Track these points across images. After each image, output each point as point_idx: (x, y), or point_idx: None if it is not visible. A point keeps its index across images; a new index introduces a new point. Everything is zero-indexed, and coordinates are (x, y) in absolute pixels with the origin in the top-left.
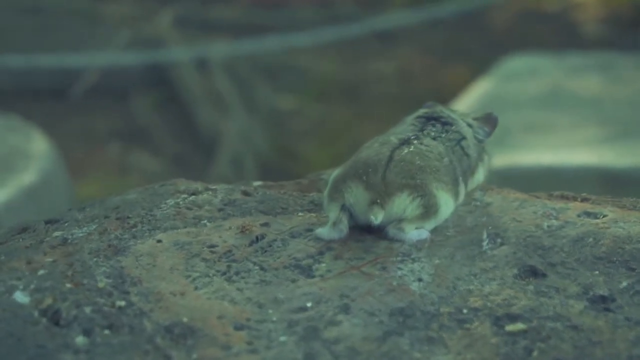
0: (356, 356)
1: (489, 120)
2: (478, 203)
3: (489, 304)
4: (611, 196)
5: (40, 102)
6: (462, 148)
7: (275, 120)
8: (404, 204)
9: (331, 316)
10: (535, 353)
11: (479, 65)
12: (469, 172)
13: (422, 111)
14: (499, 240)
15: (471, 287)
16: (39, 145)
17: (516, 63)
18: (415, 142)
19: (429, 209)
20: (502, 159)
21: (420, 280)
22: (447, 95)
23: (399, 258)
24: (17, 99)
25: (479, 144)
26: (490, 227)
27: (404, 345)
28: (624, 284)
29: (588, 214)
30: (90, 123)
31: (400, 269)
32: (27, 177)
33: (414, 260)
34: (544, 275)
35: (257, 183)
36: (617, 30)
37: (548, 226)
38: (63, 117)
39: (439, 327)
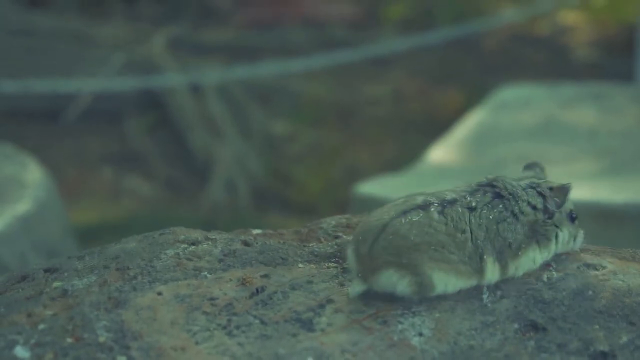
0: None
1: (561, 191)
2: None
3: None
4: (610, 247)
5: (33, 126)
6: (508, 224)
7: (269, 145)
8: (391, 280)
9: None
10: None
11: (471, 89)
12: (513, 251)
13: (489, 177)
14: (499, 292)
15: (472, 342)
16: (33, 174)
17: (509, 93)
18: (434, 208)
19: (423, 288)
20: None
21: (421, 334)
22: (440, 118)
23: (399, 311)
24: (10, 122)
25: (545, 223)
26: None
27: None
28: (625, 339)
29: (587, 266)
30: (84, 147)
31: (400, 322)
32: (22, 206)
33: (414, 314)
34: (544, 330)
35: (256, 231)
36: (608, 55)
37: (548, 278)
38: (56, 140)
39: None
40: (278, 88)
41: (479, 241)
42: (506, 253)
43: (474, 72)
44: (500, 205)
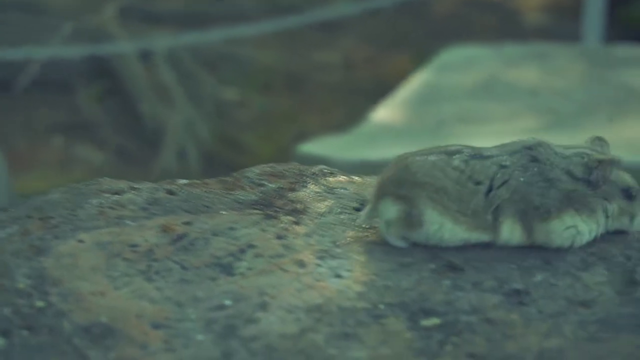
0: (273, 353)
1: (606, 163)
2: None
3: (405, 299)
4: None
5: None
6: (538, 187)
7: (220, 112)
8: (387, 208)
9: (249, 314)
10: (448, 347)
11: (421, 54)
12: (540, 214)
13: (534, 139)
14: None
15: (388, 282)
16: None
17: (454, 54)
18: (459, 155)
19: (410, 217)
20: None
21: (338, 276)
22: (389, 83)
23: (319, 255)
24: None
25: (586, 194)
26: None
27: (320, 341)
28: (539, 277)
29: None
30: (34, 116)
31: (319, 265)
32: None
33: (333, 257)
34: (461, 270)
35: (182, 181)
36: (558, 18)
37: None
38: (5, 110)
39: (355, 323)
40: (227, 55)
41: (495, 198)
42: (531, 216)
43: (424, 37)
44: (535, 169)
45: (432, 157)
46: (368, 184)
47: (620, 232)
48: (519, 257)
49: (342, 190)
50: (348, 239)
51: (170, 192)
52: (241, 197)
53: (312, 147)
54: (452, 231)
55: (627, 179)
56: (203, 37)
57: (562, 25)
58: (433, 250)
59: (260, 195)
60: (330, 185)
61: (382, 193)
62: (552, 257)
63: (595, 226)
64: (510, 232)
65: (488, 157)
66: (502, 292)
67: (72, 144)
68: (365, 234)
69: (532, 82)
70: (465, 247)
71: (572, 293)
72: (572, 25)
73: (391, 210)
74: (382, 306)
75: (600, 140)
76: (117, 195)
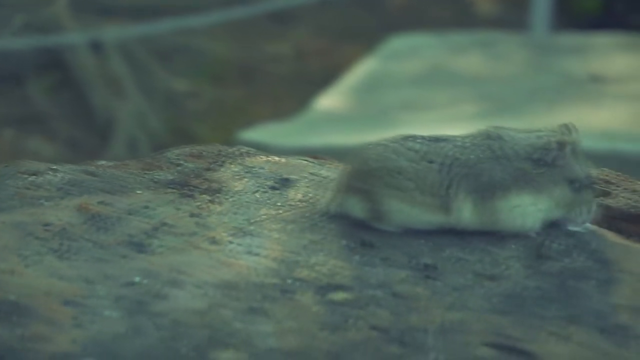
0: (179, 328)
1: (558, 146)
2: (320, 178)
3: (314, 274)
4: None
5: None
6: (489, 164)
7: (171, 103)
8: (351, 205)
9: (158, 290)
10: (353, 320)
11: (373, 46)
12: (491, 192)
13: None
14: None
15: (299, 258)
16: None
17: (400, 42)
18: (414, 138)
19: (378, 214)
20: (372, 136)
21: (250, 253)
22: (341, 74)
23: (232, 232)
24: None
25: (538, 174)
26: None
27: (227, 316)
28: (448, 252)
29: None
30: None
31: (232, 242)
32: None
33: (246, 235)
34: (372, 246)
35: (102, 162)
36: (509, 9)
37: None
38: None
39: (262, 298)
40: (179, 46)
41: (447, 174)
42: (481, 193)
43: (377, 28)
44: (484, 146)
45: (386, 142)
46: (285, 164)
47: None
48: (432, 234)
49: (259, 170)
50: (262, 216)
51: (88, 173)
52: (158, 176)
53: (254, 134)
54: (411, 215)
55: (578, 170)
56: (154, 28)
57: (515, 16)
58: (347, 228)
59: (177, 174)
60: (248, 165)
61: (346, 190)
62: (464, 233)
63: (542, 207)
64: (463, 209)
65: (444, 140)
66: (411, 266)
67: (23, 136)
68: (279, 211)
69: (476, 69)
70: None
71: (481, 267)
72: (525, 15)
73: (357, 209)
74: (291, 281)
75: (566, 126)
76: (34, 176)
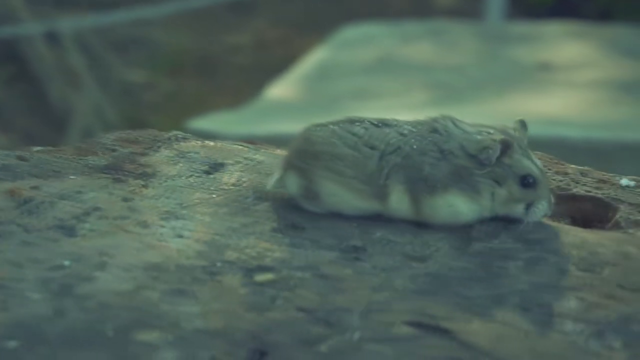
0: (105, 310)
1: (498, 144)
2: (254, 162)
3: (243, 256)
4: None
5: None
6: (429, 157)
7: (127, 94)
8: (290, 182)
9: (87, 273)
10: (279, 301)
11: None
12: (428, 187)
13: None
14: (263, 196)
15: (229, 241)
16: None
17: (352, 32)
18: (360, 124)
19: (309, 193)
20: None
21: (180, 236)
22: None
23: (163, 216)
24: None
25: (474, 173)
26: (258, 185)
27: (154, 298)
28: (378, 234)
29: None
30: None
31: (163, 226)
32: None
33: (177, 218)
34: (302, 229)
35: (36, 148)
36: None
37: None
38: None
39: (190, 280)
40: (136, 37)
41: (387, 163)
42: (420, 187)
43: (337, 19)
44: (430, 139)
45: (333, 126)
46: (220, 148)
47: (513, 219)
48: (363, 217)
49: (194, 155)
50: (195, 200)
51: (22, 158)
52: (92, 162)
53: (203, 122)
54: (347, 201)
55: (528, 165)
56: (110, 19)
57: (473, 6)
58: (278, 211)
59: (112, 160)
60: (183, 150)
61: (287, 166)
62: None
63: (478, 207)
64: (399, 201)
65: (391, 125)
66: (340, 248)
67: None
68: (212, 195)
69: (427, 58)
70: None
71: (411, 249)
72: (476, 4)
73: (293, 185)
74: (220, 264)
75: (520, 122)
76: None
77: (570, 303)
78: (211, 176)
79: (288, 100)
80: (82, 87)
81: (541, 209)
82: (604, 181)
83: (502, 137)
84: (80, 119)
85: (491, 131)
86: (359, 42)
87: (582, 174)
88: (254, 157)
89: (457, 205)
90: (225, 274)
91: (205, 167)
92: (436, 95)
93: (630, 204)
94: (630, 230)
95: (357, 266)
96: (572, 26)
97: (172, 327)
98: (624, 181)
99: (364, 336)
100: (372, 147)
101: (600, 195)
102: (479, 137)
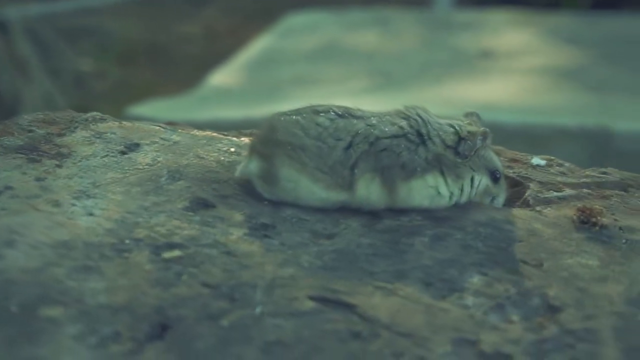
0: (11, 286)
1: (474, 135)
2: (170, 143)
3: (152, 234)
4: None
5: None
6: (406, 141)
7: (77, 83)
8: (253, 164)
9: None
10: (185, 277)
11: None
12: (405, 173)
13: (406, 107)
14: (177, 176)
15: (139, 219)
16: None
17: (296, 20)
18: (325, 114)
19: (268, 175)
20: (262, 110)
21: (91, 214)
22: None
23: (75, 195)
24: None
25: (455, 161)
26: (172, 164)
27: (61, 274)
28: (289, 212)
29: None
30: None
31: (74, 205)
32: None
33: (89, 197)
34: (213, 207)
35: None
36: None
37: (229, 162)
38: None
39: (98, 257)
40: (86, 26)
41: (354, 152)
42: (395, 172)
43: (288, 8)
44: (404, 124)
45: (297, 116)
46: (137, 129)
47: None
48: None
49: (110, 135)
50: (108, 180)
51: None
52: (7, 142)
53: (142, 109)
54: (309, 189)
55: (496, 160)
56: (59, 8)
57: None
58: (191, 190)
59: (27, 140)
60: (100, 130)
61: (252, 151)
62: None
63: (458, 192)
64: (367, 187)
65: (357, 117)
66: (249, 226)
67: None
68: (126, 175)
69: (370, 46)
70: (222, 187)
71: (321, 227)
72: None
73: (254, 168)
74: (128, 241)
75: (473, 114)
76: None
77: (472, 278)
78: (126, 156)
79: (230, 87)
80: (31, 76)
81: (501, 202)
82: (515, 160)
83: (482, 128)
84: (30, 108)
85: (461, 123)
86: (302, 30)
87: (496, 153)
88: (171, 137)
89: (439, 187)
90: (133, 251)
91: (121, 147)
92: (378, 82)
93: (539, 182)
94: (538, 208)
95: (265, 243)
96: (517, 14)
97: (76, 302)
98: (535, 160)
99: (266, 311)
100: (338, 139)
101: (511, 174)
102: (455, 128)
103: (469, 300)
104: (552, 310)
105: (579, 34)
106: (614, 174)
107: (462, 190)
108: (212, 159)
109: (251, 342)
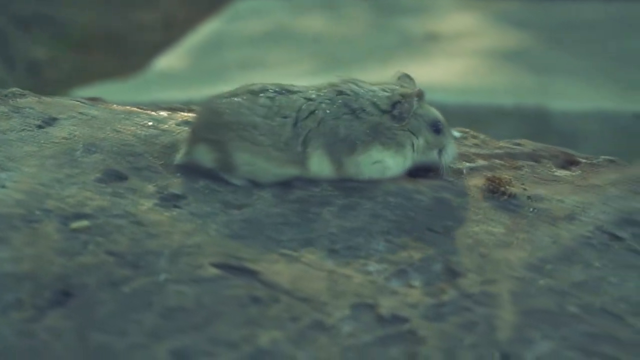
0: None
1: (409, 96)
2: (88, 117)
3: (62, 205)
4: None
5: None
6: (343, 120)
7: (31, 71)
8: (202, 154)
9: None
10: (91, 246)
11: None
12: (347, 148)
13: (341, 79)
14: (93, 149)
15: (51, 191)
16: None
17: (245, 4)
18: (264, 94)
19: (225, 165)
20: (203, 92)
21: (3, 187)
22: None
23: None
24: None
25: (392, 127)
26: (89, 138)
27: None
28: (201, 183)
29: (187, 123)
30: None
31: None
32: None
33: (3, 170)
34: (126, 179)
35: None
36: None
37: (145, 135)
38: None
39: (7, 228)
40: (42, 14)
41: (302, 129)
42: (339, 148)
43: None
44: (340, 101)
45: (237, 98)
46: (55, 104)
47: (430, 167)
48: (182, 169)
49: (28, 110)
50: (23, 153)
51: None
52: None
53: (87, 92)
54: (264, 169)
55: (435, 112)
56: None
57: None
58: (106, 162)
59: None
60: (19, 106)
61: (195, 138)
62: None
63: (402, 160)
64: (318, 164)
65: (295, 92)
66: (160, 197)
67: None
68: (42, 148)
69: (317, 30)
70: (136, 159)
71: (232, 197)
72: None
73: (207, 159)
74: (38, 212)
75: (406, 76)
76: None
77: (377, 245)
78: (43, 130)
79: (175, 71)
80: None
81: (451, 151)
82: None
83: (410, 90)
84: None
85: (395, 86)
86: (250, 15)
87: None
88: (89, 112)
89: (384, 161)
90: (42, 222)
91: (39, 122)
92: (323, 65)
93: None
94: (450, 179)
95: (175, 213)
96: None
97: None
98: None
99: (170, 278)
100: (285, 116)
101: None
102: (388, 93)
103: (372, 266)
104: (454, 275)
105: (524, 18)
106: (527, 146)
107: (406, 157)
108: (129, 132)
109: (152, 308)
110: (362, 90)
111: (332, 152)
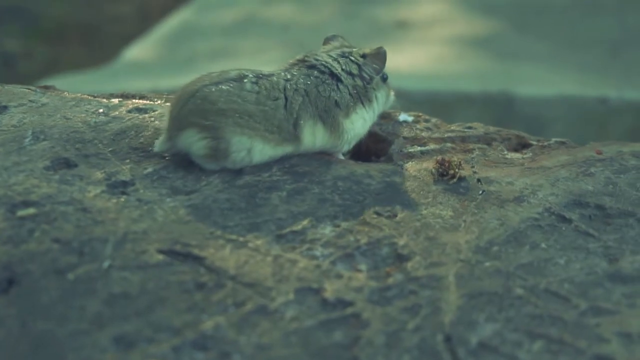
0: None
1: (377, 56)
2: (38, 105)
3: (9, 193)
4: None
5: None
6: (328, 85)
7: (4, 64)
8: (190, 139)
9: None
10: (37, 234)
11: None
12: (342, 110)
13: (300, 55)
14: (42, 137)
15: None
16: None
17: None
18: (247, 80)
19: (217, 152)
20: (170, 82)
21: None
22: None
23: None
24: None
25: (366, 88)
26: (38, 125)
27: None
28: (150, 169)
29: (139, 110)
30: None
31: None
32: None
33: None
34: (75, 166)
35: None
36: None
37: (95, 122)
38: None
39: None
40: (13, 5)
41: (294, 106)
42: (334, 111)
43: None
44: (316, 72)
45: (223, 86)
46: (5, 92)
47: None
48: (135, 153)
49: None
50: None
51: None
52: None
53: (54, 82)
54: (262, 151)
55: (379, 63)
56: None
57: None
58: (54, 149)
59: None
60: None
61: (183, 125)
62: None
63: (373, 114)
64: (312, 134)
65: (270, 75)
66: (108, 184)
67: None
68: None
69: (287, 18)
70: (85, 146)
71: (181, 183)
72: None
73: (198, 145)
74: None
75: (337, 36)
76: None
77: (324, 230)
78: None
79: (143, 61)
80: None
81: (393, 97)
82: (384, 117)
83: (375, 48)
84: None
85: (348, 49)
86: (220, 4)
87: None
88: (40, 99)
89: (364, 115)
90: None
91: None
92: (292, 53)
93: (404, 137)
94: (400, 162)
95: (122, 200)
96: None
97: None
98: (402, 116)
99: (115, 264)
100: (275, 99)
101: (377, 131)
102: (350, 58)
103: (318, 251)
104: (400, 259)
105: (492, 5)
106: (479, 129)
107: (374, 110)
108: (78, 120)
109: (95, 295)
110: (329, 60)
111: (326, 117)
